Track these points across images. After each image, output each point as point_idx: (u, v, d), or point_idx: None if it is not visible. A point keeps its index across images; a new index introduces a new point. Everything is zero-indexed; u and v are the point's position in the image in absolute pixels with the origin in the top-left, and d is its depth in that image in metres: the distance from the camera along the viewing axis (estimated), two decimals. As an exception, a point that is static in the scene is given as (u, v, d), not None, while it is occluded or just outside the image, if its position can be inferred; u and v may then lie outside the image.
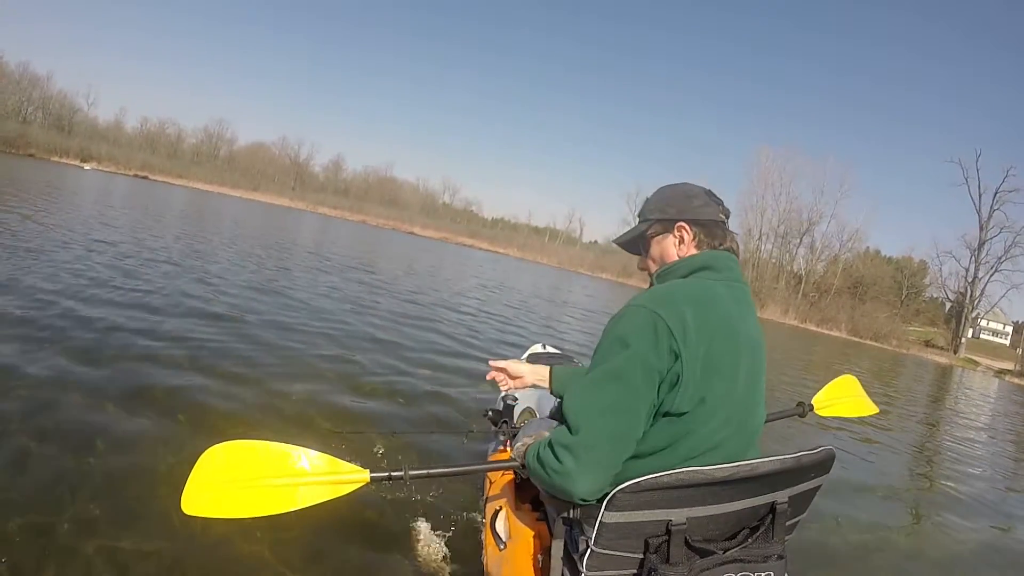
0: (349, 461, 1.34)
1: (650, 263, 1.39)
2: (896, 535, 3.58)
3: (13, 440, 2.55)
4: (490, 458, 2.32)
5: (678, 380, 1.10)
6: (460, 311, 9.81)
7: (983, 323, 54.28)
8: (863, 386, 2.27)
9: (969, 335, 44.35)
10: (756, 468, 1.05)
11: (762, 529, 1.12)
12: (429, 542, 2.41)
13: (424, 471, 1.41)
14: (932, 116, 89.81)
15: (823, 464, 1.14)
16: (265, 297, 7.09)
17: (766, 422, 1.40)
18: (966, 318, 42.83)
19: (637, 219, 1.43)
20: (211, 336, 4.73)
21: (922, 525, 3.97)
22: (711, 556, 1.08)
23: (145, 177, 49.17)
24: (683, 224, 1.31)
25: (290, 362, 4.50)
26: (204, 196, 39.13)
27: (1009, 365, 37.11)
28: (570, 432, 1.13)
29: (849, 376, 2.24)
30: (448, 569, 2.23)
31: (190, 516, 1.21)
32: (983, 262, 42.73)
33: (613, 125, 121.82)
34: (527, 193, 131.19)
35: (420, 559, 2.31)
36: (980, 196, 42.97)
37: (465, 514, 2.55)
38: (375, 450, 3.11)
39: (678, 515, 1.06)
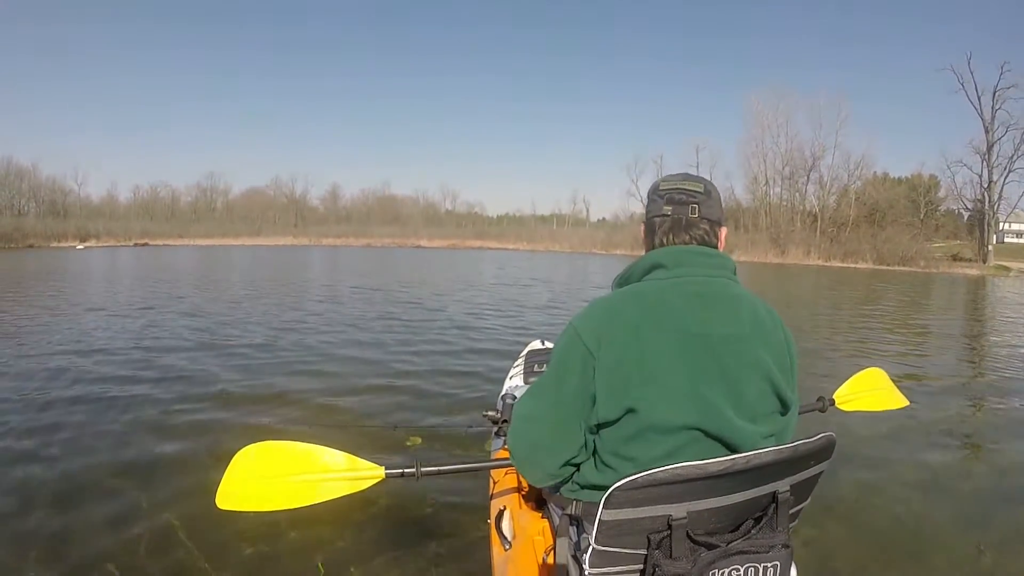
0: (366, 458, 1.43)
1: None
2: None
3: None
4: (493, 457, 2.31)
5: (595, 394, 1.13)
6: (471, 312, 9.81)
7: (1006, 226, 52.92)
8: (890, 374, 2.17)
9: (994, 241, 43.33)
10: (752, 460, 1.02)
11: (765, 519, 1.09)
12: (439, 538, 2.58)
13: (435, 468, 1.50)
14: (915, 26, 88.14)
15: (823, 451, 1.11)
16: (293, 335, 7.64)
17: None
18: (988, 225, 41.95)
19: None
20: (260, 360, 6.13)
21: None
22: (715, 549, 1.05)
23: (145, 244, 49.69)
24: (644, 223, 1.33)
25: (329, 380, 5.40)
26: (208, 251, 39.69)
27: (1041, 264, 36.27)
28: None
29: (875, 369, 2.13)
30: (457, 566, 2.36)
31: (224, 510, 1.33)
32: (995, 165, 41.91)
33: (599, 97, 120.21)
34: (528, 183, 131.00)
35: (431, 555, 2.45)
36: (979, 99, 42.15)
37: (474, 510, 2.69)
38: (391, 448, 3.41)
39: (677, 510, 1.03)
